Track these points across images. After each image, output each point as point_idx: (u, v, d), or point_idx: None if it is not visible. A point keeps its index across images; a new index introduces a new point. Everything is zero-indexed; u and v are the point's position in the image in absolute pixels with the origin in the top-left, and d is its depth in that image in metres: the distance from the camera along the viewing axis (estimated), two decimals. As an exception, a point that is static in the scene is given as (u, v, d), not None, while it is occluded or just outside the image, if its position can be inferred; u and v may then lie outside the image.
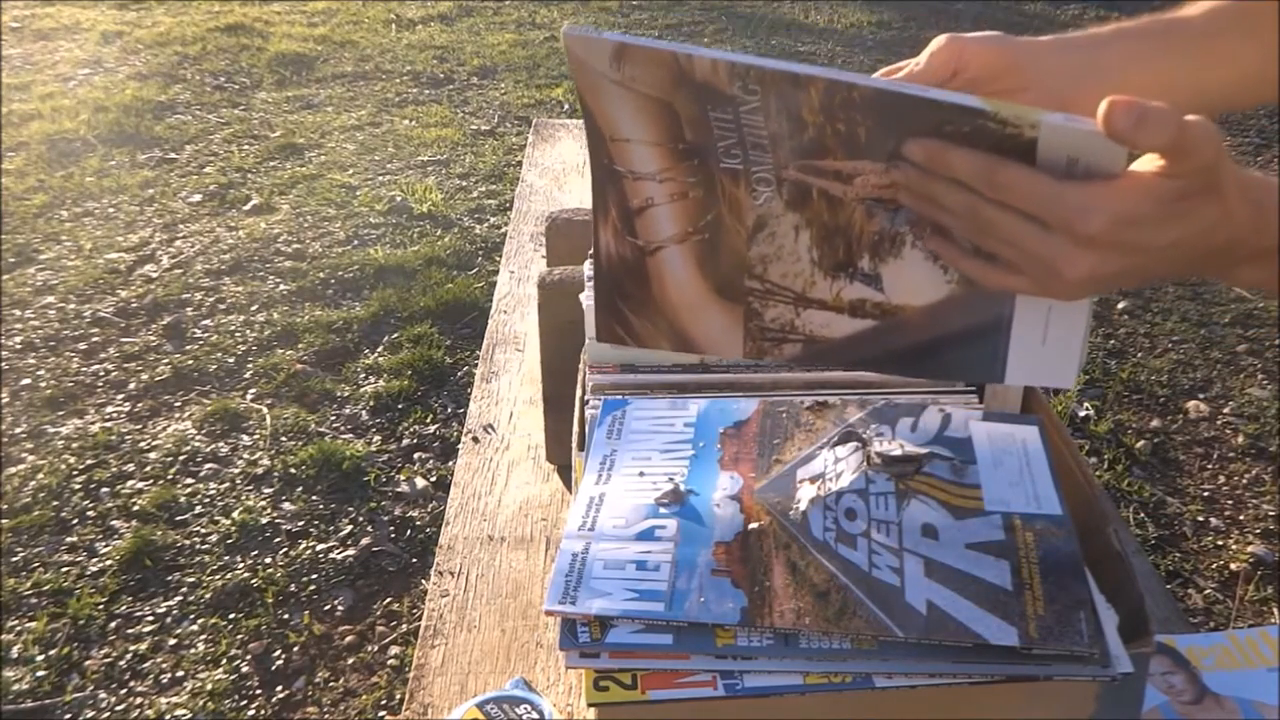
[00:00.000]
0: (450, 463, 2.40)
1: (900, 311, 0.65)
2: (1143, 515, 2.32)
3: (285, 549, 2.19)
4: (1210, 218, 0.54)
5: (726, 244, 0.65)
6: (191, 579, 2.11)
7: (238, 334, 2.91)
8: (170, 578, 2.11)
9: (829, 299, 0.65)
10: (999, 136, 0.54)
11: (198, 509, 2.29)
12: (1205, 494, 2.40)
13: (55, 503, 2.29)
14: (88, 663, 1.93)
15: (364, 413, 2.61)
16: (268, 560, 2.15)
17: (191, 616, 2.03)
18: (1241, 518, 2.33)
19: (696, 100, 0.60)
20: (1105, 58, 0.71)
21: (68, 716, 1.83)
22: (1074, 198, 0.52)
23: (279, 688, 1.89)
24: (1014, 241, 0.55)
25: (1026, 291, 0.58)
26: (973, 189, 0.55)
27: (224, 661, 1.93)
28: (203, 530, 2.23)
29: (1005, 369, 0.65)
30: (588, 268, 0.92)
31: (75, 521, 2.25)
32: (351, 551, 2.18)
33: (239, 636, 1.98)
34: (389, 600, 2.07)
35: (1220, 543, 2.26)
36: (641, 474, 0.72)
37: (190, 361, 2.79)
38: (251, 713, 1.84)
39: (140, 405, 2.63)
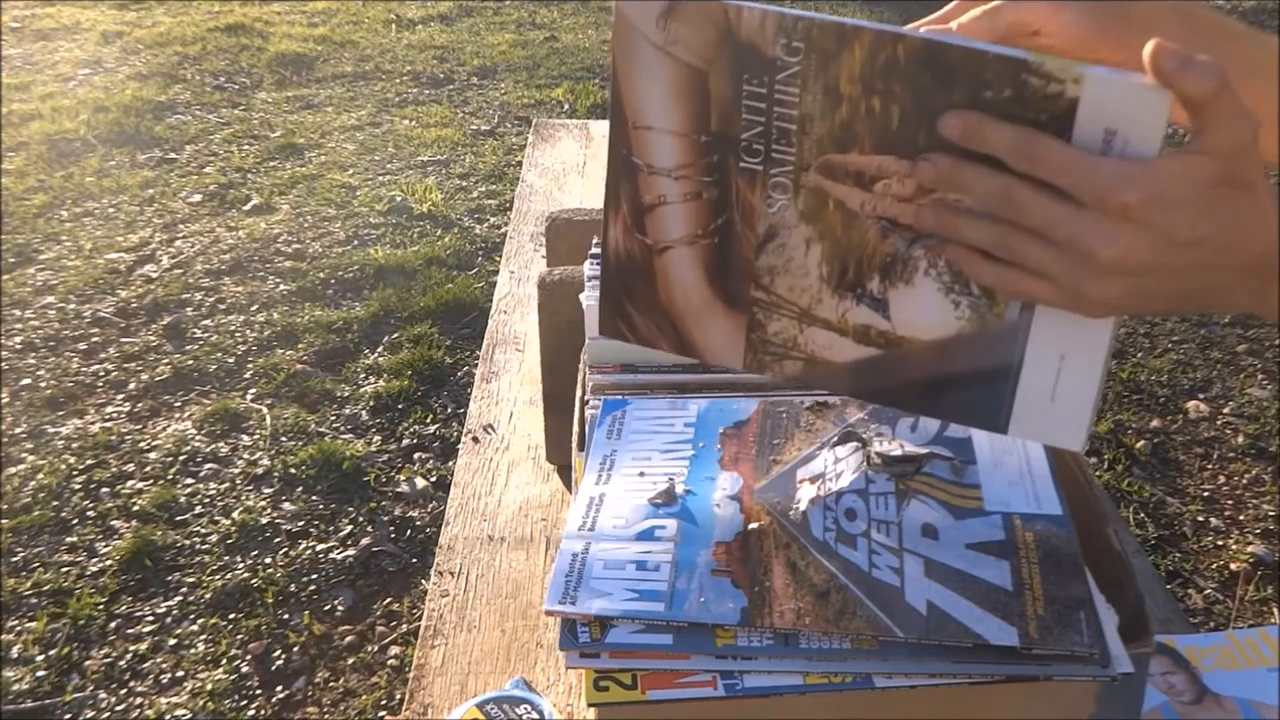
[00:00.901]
0: (450, 463, 2.40)
1: (905, 344, 0.63)
2: (1143, 515, 2.32)
3: (285, 549, 2.19)
4: (1244, 216, 0.52)
5: (735, 251, 0.64)
6: (191, 579, 2.11)
7: (238, 334, 2.91)
8: (170, 578, 2.11)
9: (834, 320, 0.64)
10: (1040, 96, 0.53)
11: (198, 509, 2.29)
12: (1205, 494, 2.40)
13: (55, 503, 2.29)
14: (88, 663, 1.93)
15: (364, 413, 2.61)
16: (268, 560, 2.15)
17: (191, 616, 2.03)
18: (1241, 518, 2.33)
19: (735, 67, 0.59)
20: (1233, 49, 0.65)
21: (68, 716, 1.83)
22: (1110, 169, 0.52)
23: (279, 688, 1.89)
24: (1045, 228, 0.53)
25: (1050, 299, 0.56)
26: (1006, 169, 0.54)
27: (224, 661, 1.93)
28: (203, 530, 2.23)
29: (1009, 420, 0.63)
30: (588, 268, 0.92)
31: (75, 521, 2.25)
32: (351, 551, 2.18)
33: (239, 636, 1.98)
34: (389, 600, 2.07)
35: (1220, 543, 2.26)
36: (641, 474, 0.72)
37: (190, 361, 2.79)
38: (251, 713, 1.84)
39: (140, 405, 2.63)
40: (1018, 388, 0.61)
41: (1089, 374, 0.59)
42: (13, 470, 2.38)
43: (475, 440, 1.15)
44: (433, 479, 2.38)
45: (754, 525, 0.67)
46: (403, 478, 2.38)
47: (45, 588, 2.08)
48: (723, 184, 0.62)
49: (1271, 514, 2.34)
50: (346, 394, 2.67)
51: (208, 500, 2.31)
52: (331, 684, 1.90)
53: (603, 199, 0.66)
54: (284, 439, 2.50)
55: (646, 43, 0.61)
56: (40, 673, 1.90)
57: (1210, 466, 2.49)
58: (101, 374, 2.74)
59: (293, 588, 2.09)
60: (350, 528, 2.24)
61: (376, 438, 2.52)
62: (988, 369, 0.62)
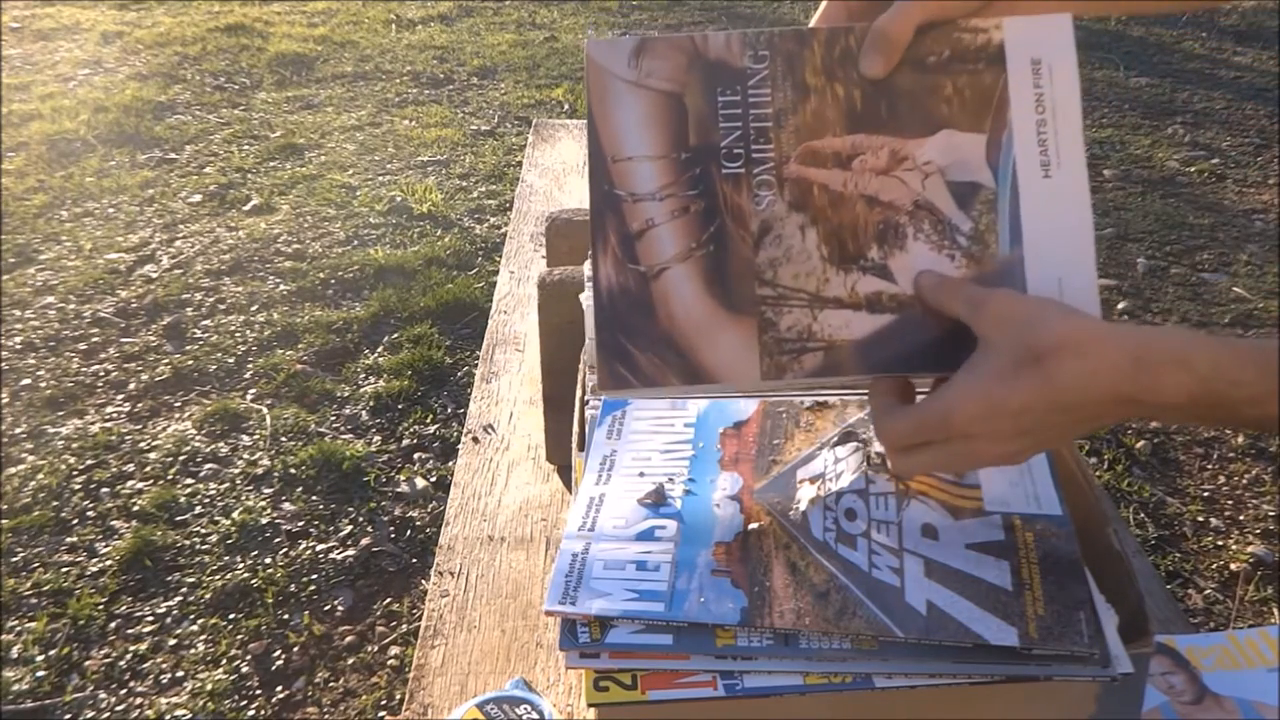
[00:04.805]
0: (450, 463, 2.40)
1: (916, 303, 0.64)
2: (1143, 515, 2.32)
3: (285, 549, 2.19)
4: (1053, 375, 0.56)
5: (733, 253, 0.64)
6: (191, 579, 2.11)
7: (238, 334, 2.91)
8: (170, 578, 2.11)
9: (845, 295, 0.64)
10: (973, 48, 0.64)
11: (198, 509, 2.29)
12: (1205, 494, 2.40)
13: (55, 503, 2.29)
14: (88, 663, 1.93)
15: (364, 413, 2.60)
16: (268, 560, 2.15)
17: (191, 616, 2.03)
18: (1241, 518, 2.33)
19: (707, 83, 0.65)
20: None
21: (68, 716, 1.83)
22: (935, 415, 0.59)
23: (279, 688, 1.89)
24: (940, 469, 0.67)
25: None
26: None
27: (224, 661, 1.93)
28: (203, 530, 2.23)
29: None
30: (588, 268, 0.92)
31: (75, 521, 2.25)
32: (351, 551, 2.18)
33: (239, 636, 1.98)
34: (389, 600, 2.07)
35: (1220, 543, 2.26)
36: (642, 474, 0.72)
37: (190, 361, 2.79)
38: (251, 713, 1.84)
39: (140, 405, 2.63)
40: None
41: (1087, 291, 0.64)
42: (13, 470, 2.38)
43: (475, 440, 1.15)
44: (433, 479, 2.38)
45: (754, 525, 0.67)
46: (403, 478, 2.38)
47: (45, 588, 2.08)
48: (708, 194, 0.65)
49: (1271, 514, 2.34)
50: (346, 394, 2.67)
51: (208, 500, 2.31)
52: (331, 684, 1.90)
53: (589, 238, 0.67)
54: (284, 439, 2.50)
55: (619, 81, 0.65)
56: (40, 673, 1.90)
57: (1210, 466, 2.49)
58: (101, 374, 2.74)
59: (293, 588, 2.09)
60: (350, 528, 2.24)
61: (376, 438, 2.52)
62: None
